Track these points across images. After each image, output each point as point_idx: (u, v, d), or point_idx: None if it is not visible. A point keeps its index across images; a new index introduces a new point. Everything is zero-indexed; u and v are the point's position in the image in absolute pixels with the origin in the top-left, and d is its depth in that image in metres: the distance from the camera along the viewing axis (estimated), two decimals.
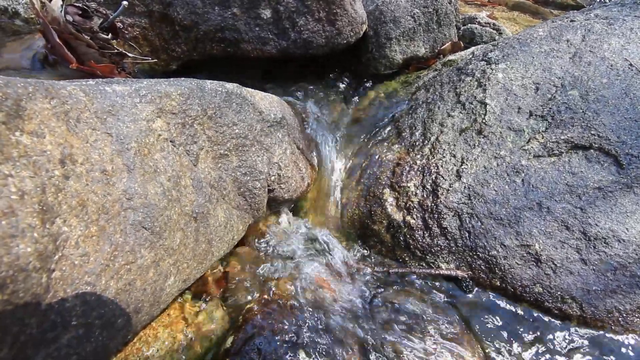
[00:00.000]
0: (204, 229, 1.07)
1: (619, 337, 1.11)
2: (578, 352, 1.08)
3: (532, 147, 1.34)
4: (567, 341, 1.11)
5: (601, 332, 1.12)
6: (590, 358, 1.07)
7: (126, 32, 1.56)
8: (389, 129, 1.74)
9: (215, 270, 1.22)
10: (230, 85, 1.22)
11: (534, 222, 1.22)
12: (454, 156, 1.41)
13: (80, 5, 1.33)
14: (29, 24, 1.49)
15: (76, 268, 0.70)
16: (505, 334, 1.13)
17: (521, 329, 1.14)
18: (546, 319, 1.16)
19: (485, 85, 1.54)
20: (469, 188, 1.32)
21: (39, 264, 0.61)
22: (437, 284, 1.27)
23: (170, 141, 0.98)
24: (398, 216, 1.39)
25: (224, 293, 1.18)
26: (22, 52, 1.31)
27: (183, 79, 1.11)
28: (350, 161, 1.71)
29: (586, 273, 1.15)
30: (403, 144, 1.59)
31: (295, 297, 1.15)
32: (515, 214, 1.25)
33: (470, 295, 1.23)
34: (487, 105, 1.47)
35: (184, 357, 1.00)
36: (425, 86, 1.82)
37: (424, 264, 1.31)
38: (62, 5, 1.24)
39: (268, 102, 1.39)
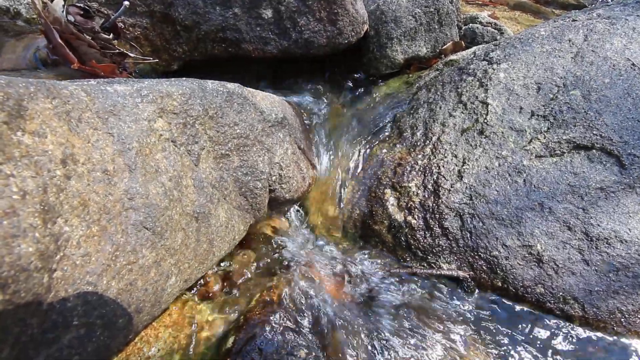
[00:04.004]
0: (205, 229, 1.07)
1: (621, 338, 1.10)
2: (580, 353, 1.08)
3: (534, 147, 1.34)
4: (568, 342, 1.10)
5: (603, 333, 1.11)
6: (592, 359, 1.06)
7: (127, 32, 1.56)
8: (390, 128, 1.74)
9: (216, 270, 1.22)
10: (231, 85, 1.22)
11: (535, 222, 1.22)
12: (456, 156, 1.41)
13: (81, 5, 1.33)
14: (31, 24, 1.49)
15: (78, 268, 0.70)
16: (506, 335, 1.12)
17: (522, 330, 1.13)
18: (548, 319, 1.15)
19: (486, 85, 1.53)
20: (470, 188, 1.32)
21: (41, 264, 0.61)
22: (438, 284, 1.27)
23: (172, 141, 0.98)
24: (399, 216, 1.39)
25: (225, 293, 1.18)
26: (24, 52, 1.31)
27: (184, 78, 1.11)
28: (352, 161, 1.71)
29: (588, 274, 1.15)
30: (404, 144, 1.58)
31: (296, 297, 1.15)
32: (517, 214, 1.24)
33: (471, 296, 1.23)
34: (489, 105, 1.47)
35: (185, 357, 1.00)
36: (426, 86, 1.81)
37: (425, 264, 1.30)
38: (63, 6, 1.25)
39: (269, 102, 1.39)
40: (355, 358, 1.01)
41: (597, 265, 1.14)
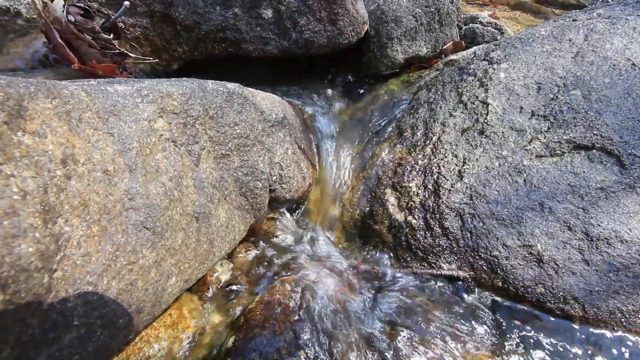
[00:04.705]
0: (206, 229, 1.07)
1: (622, 338, 1.10)
2: (580, 353, 1.08)
3: (534, 147, 1.34)
4: (569, 342, 1.10)
5: (603, 333, 1.11)
6: (592, 359, 1.06)
7: (128, 32, 1.56)
8: (390, 128, 1.74)
9: (216, 270, 1.22)
10: (231, 85, 1.22)
11: (536, 222, 1.22)
12: (456, 156, 1.41)
13: (82, 5, 1.33)
14: (31, 24, 1.49)
15: (78, 268, 0.70)
16: (506, 335, 1.12)
17: (523, 330, 1.13)
18: (548, 319, 1.15)
19: (487, 85, 1.53)
20: (470, 188, 1.32)
21: (41, 264, 0.61)
22: (438, 284, 1.27)
23: (172, 141, 0.97)
24: (400, 216, 1.39)
25: (226, 293, 1.18)
26: (24, 52, 1.31)
27: (184, 79, 1.11)
28: (352, 161, 1.71)
29: (588, 274, 1.15)
30: (405, 143, 1.58)
31: (296, 297, 1.15)
32: (517, 214, 1.24)
33: (471, 296, 1.23)
34: (489, 105, 1.47)
35: (185, 357, 1.00)
36: (427, 86, 1.81)
37: (425, 264, 1.30)
38: (64, 6, 1.24)
39: (269, 102, 1.39)
40: (355, 358, 1.01)
41: (597, 265, 1.14)
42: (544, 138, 1.34)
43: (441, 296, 1.23)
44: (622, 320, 1.11)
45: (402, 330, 1.10)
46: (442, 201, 1.33)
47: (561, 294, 1.15)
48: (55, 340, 0.68)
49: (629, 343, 1.09)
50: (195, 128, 1.05)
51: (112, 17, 1.37)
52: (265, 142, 1.30)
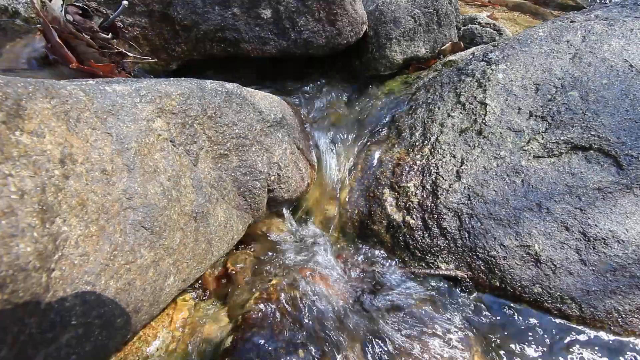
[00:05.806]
0: (204, 228, 1.07)
1: (618, 338, 1.11)
2: (577, 352, 1.08)
3: (532, 147, 1.34)
4: (566, 341, 1.11)
5: (600, 333, 1.12)
6: (589, 359, 1.07)
7: (126, 31, 1.56)
8: (388, 129, 1.74)
9: (215, 270, 1.22)
10: (230, 85, 1.22)
11: (533, 222, 1.22)
12: (454, 156, 1.41)
13: (80, 4, 1.33)
14: (29, 23, 1.49)
15: (76, 267, 0.70)
16: (504, 334, 1.13)
17: (520, 330, 1.14)
18: (545, 319, 1.16)
19: (485, 85, 1.54)
20: (468, 188, 1.33)
21: (39, 264, 0.61)
22: (436, 284, 1.27)
23: (170, 141, 0.98)
24: (398, 216, 1.39)
25: (224, 293, 1.18)
26: (22, 51, 1.31)
27: (183, 78, 1.11)
28: (350, 161, 1.71)
29: (585, 274, 1.15)
30: (403, 144, 1.59)
31: (294, 297, 1.15)
32: (515, 214, 1.25)
33: (469, 296, 1.23)
34: (487, 106, 1.47)
35: (183, 356, 1.00)
36: (425, 86, 1.82)
37: (423, 264, 1.31)
38: (62, 5, 1.24)
39: (268, 102, 1.39)
40: (353, 358, 1.01)
41: (594, 265, 1.15)
42: (542, 139, 1.34)
43: (439, 296, 1.23)
44: (619, 320, 1.11)
45: (400, 331, 1.10)
46: (440, 201, 1.33)
47: (558, 293, 1.15)
48: (53, 340, 0.68)
49: (625, 343, 1.10)
50: (194, 128, 1.05)
51: (111, 16, 1.37)
52: (263, 142, 1.31)
